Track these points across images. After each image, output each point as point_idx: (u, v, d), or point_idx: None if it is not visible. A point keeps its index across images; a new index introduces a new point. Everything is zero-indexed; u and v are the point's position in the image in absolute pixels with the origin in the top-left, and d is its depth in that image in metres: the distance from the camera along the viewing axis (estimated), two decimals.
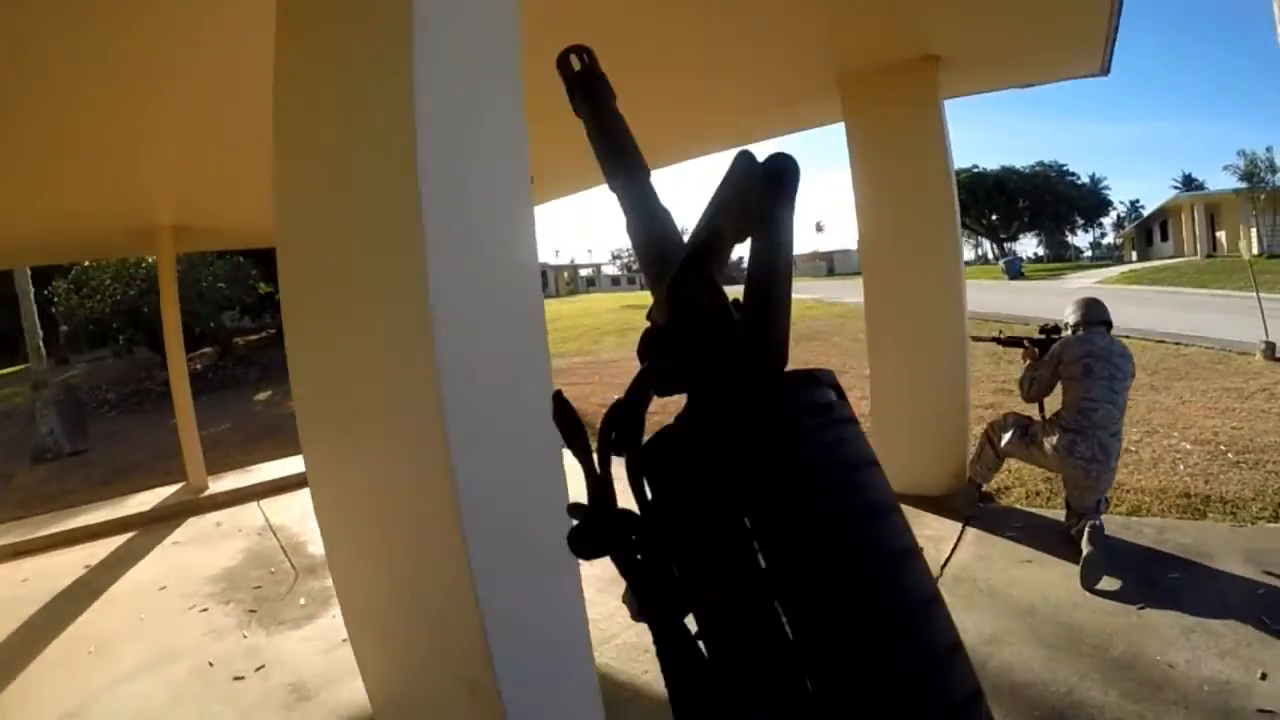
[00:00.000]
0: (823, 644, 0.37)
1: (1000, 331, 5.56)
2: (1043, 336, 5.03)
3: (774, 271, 0.43)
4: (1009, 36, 5.28)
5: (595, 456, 0.46)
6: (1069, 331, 4.81)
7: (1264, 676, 3.09)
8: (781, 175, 0.43)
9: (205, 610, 5.20)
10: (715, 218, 0.47)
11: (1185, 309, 15.13)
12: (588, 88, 0.58)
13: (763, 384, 0.42)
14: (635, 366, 0.47)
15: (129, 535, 7.43)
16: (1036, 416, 4.84)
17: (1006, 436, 4.84)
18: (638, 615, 0.44)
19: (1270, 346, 10.20)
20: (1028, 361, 4.99)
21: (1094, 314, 4.74)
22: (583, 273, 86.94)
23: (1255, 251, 20.09)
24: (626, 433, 0.45)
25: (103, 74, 4.03)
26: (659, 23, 4.40)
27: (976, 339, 5.70)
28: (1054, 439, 4.50)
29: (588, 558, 0.45)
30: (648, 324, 0.49)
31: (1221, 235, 34.93)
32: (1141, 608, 3.71)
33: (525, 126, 1.97)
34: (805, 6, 4.44)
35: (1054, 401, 4.74)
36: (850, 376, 11.39)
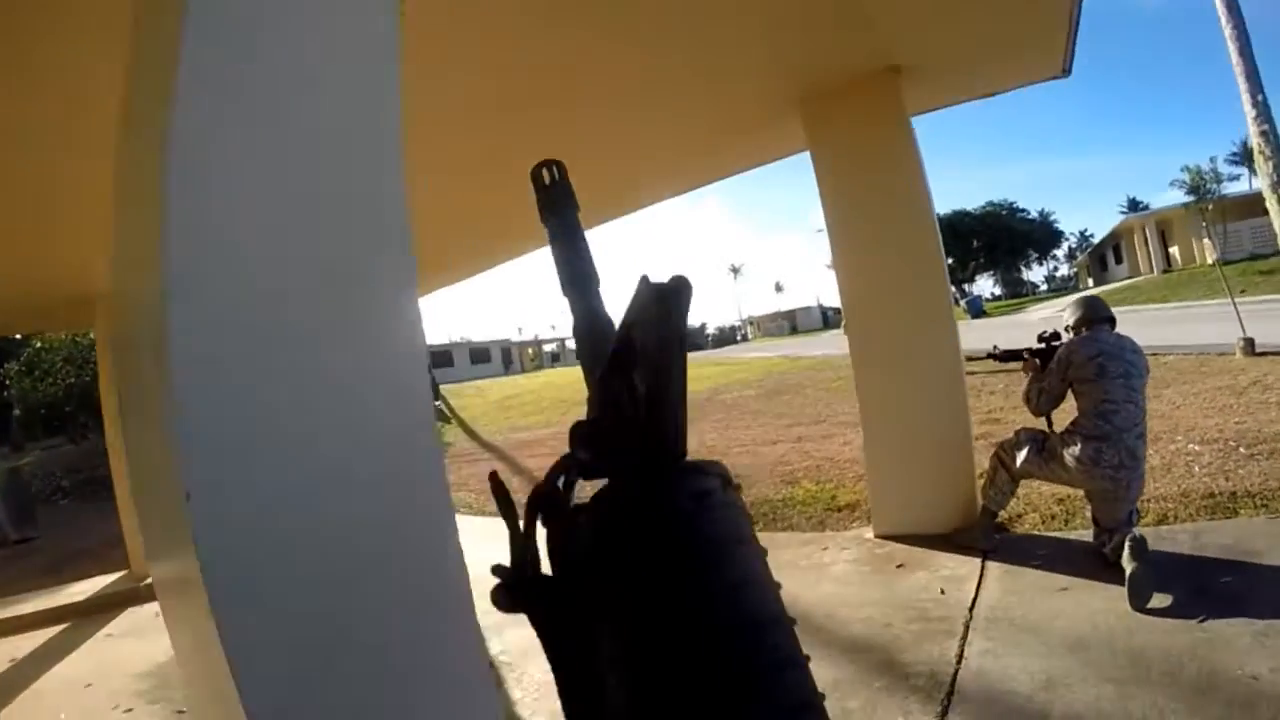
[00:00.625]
0: (666, 705, 0.41)
1: (995, 347, 5.23)
2: (1042, 345, 4.70)
3: (666, 374, 0.47)
4: (971, 39, 5.10)
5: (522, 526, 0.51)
6: (1070, 335, 4.49)
7: None
8: (671, 294, 0.47)
9: (129, 711, 4.66)
10: (628, 328, 0.49)
11: (1152, 324, 15.06)
12: (556, 201, 0.65)
13: (653, 474, 0.46)
14: None
15: (62, 626, 6.88)
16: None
17: (1022, 455, 4.44)
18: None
19: (1249, 342, 10.32)
20: (1029, 374, 4.66)
21: (1097, 311, 4.44)
22: (546, 348, 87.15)
23: (1212, 259, 20.38)
24: (546, 513, 0.50)
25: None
26: (598, 62, 4.23)
27: (970, 359, 5.39)
28: (1075, 449, 4.12)
29: (507, 611, 0.51)
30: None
31: (1175, 250, 35.80)
32: (1203, 620, 3.28)
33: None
34: (757, 27, 4.24)
35: (1061, 417, 4.40)
36: (827, 425, 11.24)
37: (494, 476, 0.57)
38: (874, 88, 5.16)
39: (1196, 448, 6.21)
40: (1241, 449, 5.91)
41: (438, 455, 1.53)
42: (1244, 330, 10.55)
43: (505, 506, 0.54)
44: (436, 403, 25.52)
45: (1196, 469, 5.66)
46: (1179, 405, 8.02)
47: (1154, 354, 10.73)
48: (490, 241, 8.09)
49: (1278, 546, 3.89)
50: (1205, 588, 3.57)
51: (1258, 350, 10.20)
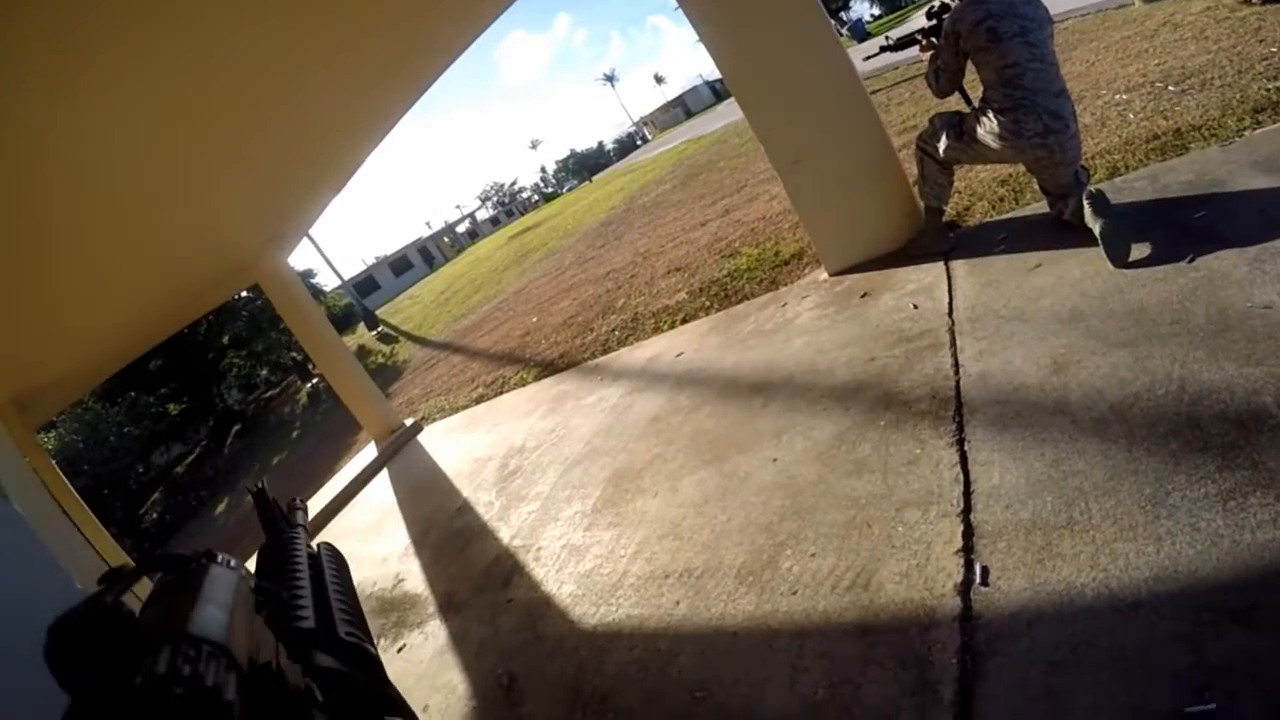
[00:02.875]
0: None
1: (887, 38, 4.71)
2: (933, 22, 4.18)
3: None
4: None
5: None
6: (954, 3, 3.95)
7: None
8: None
9: None
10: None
11: None
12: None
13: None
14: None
15: None
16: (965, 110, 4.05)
17: (942, 142, 4.05)
18: None
19: None
20: (928, 55, 4.19)
21: None
22: (460, 229, 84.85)
23: None
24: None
25: None
26: None
27: (866, 60, 4.87)
28: (993, 125, 3.73)
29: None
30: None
31: None
32: (1192, 259, 2.99)
33: None
34: None
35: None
36: (749, 189, 10.93)
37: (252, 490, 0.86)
38: None
39: (1124, 96, 5.89)
40: (1170, 87, 5.58)
41: None
42: None
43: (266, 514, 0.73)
44: (378, 328, 24.53)
45: (1131, 116, 5.36)
46: (1093, 62, 7.64)
47: (1052, 23, 10.43)
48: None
49: (1239, 171, 3.59)
50: (1183, 226, 3.28)
51: None
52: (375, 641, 0.90)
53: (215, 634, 0.50)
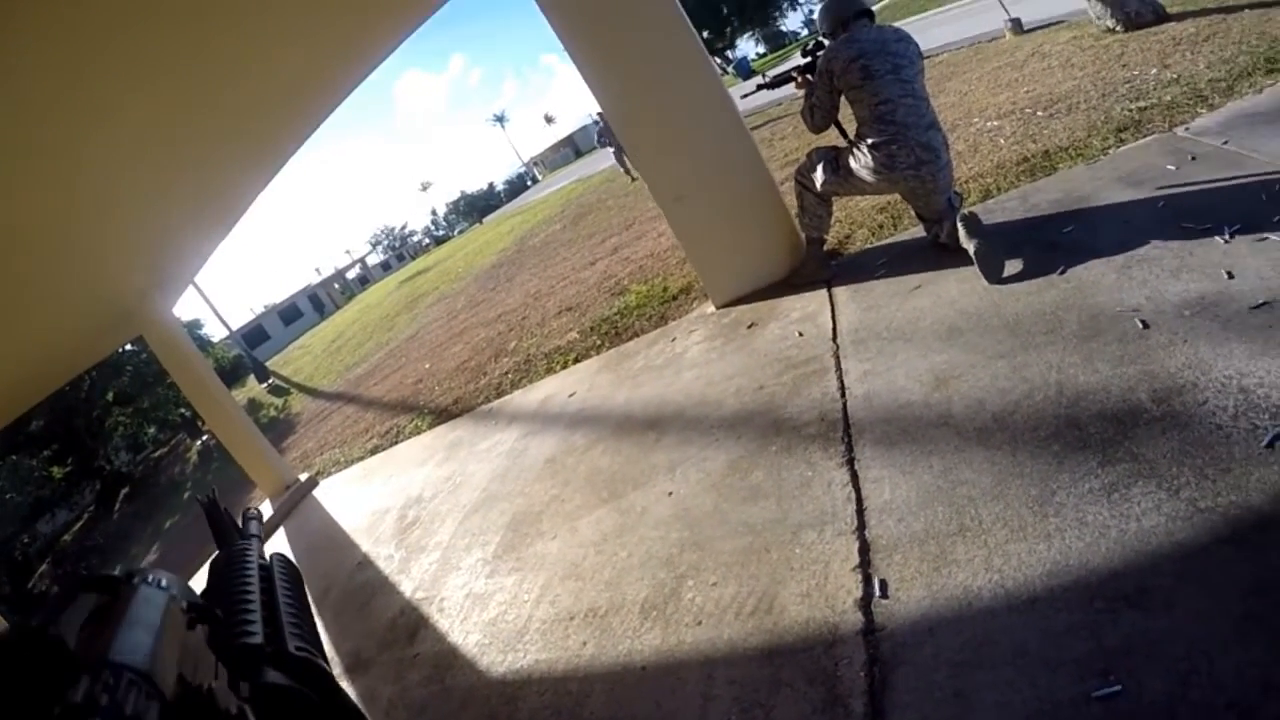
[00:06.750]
0: None
1: (764, 76, 4.82)
2: (808, 59, 4.31)
3: None
4: None
5: None
6: (828, 42, 4.08)
7: (1231, 275, 2.57)
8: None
9: None
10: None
11: (918, 33, 15.08)
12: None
13: None
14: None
15: None
16: (841, 144, 4.17)
17: (818, 175, 4.16)
18: None
19: (1016, 22, 10.51)
20: (803, 92, 4.30)
21: (845, 8, 4.01)
22: (350, 275, 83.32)
23: None
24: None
25: None
26: None
27: (745, 97, 4.97)
28: (866, 159, 3.84)
29: None
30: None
31: None
32: (1063, 271, 3.12)
33: None
34: None
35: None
36: (636, 227, 11.13)
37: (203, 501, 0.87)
38: None
39: (996, 123, 6.17)
40: (1039, 113, 5.88)
41: None
42: (1008, 14, 10.59)
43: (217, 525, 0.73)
44: (269, 380, 23.74)
45: (1002, 141, 5.61)
46: (966, 92, 8.01)
47: (927, 56, 10.90)
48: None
49: (1104, 187, 3.80)
50: (1051, 242, 3.43)
51: (1025, 29, 10.24)
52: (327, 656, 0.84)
53: (138, 660, 0.48)
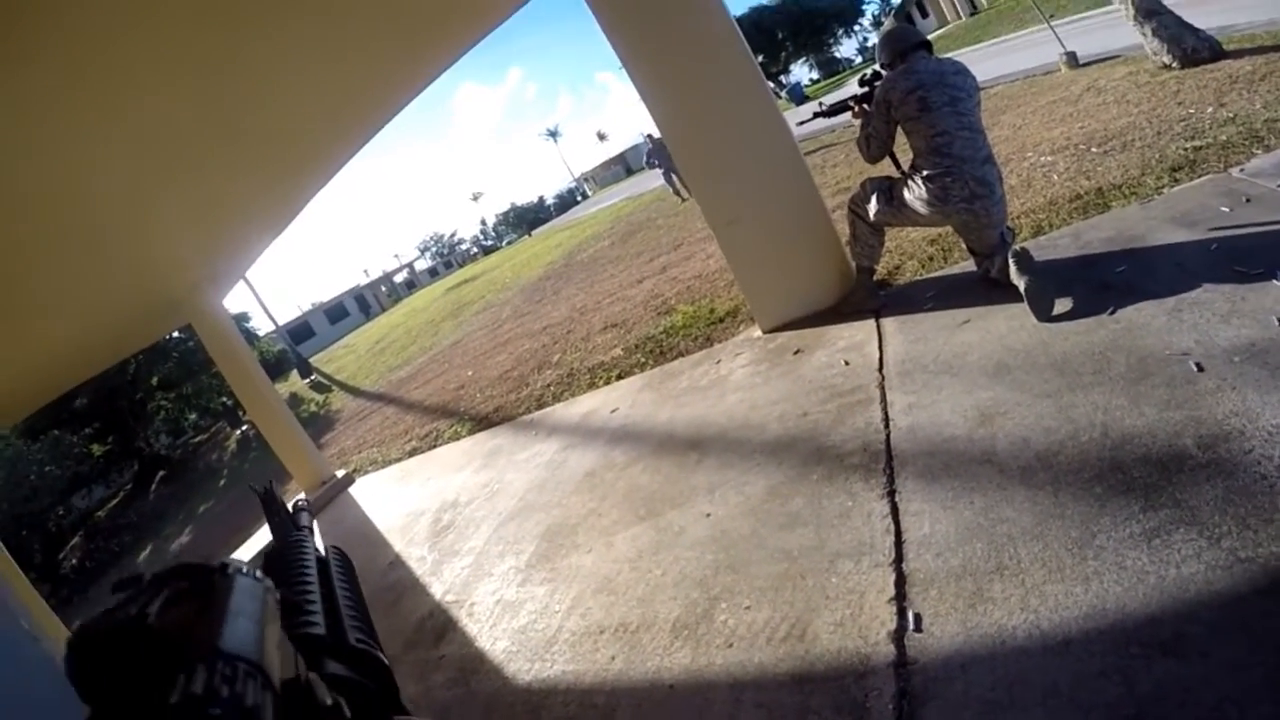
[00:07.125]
0: None
1: (820, 104, 4.84)
2: (865, 89, 4.32)
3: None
4: None
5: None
6: (886, 72, 4.09)
7: None
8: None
9: None
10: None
11: (973, 65, 15.01)
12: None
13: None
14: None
15: None
16: (896, 175, 4.16)
17: (872, 205, 4.16)
18: None
19: (1072, 56, 10.41)
20: (860, 121, 4.30)
21: (905, 39, 4.04)
22: (398, 279, 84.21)
23: None
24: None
25: None
26: None
27: (801, 125, 5.00)
28: (921, 191, 3.84)
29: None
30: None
31: None
32: (1113, 311, 3.09)
33: None
34: None
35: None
36: (685, 247, 11.11)
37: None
38: None
39: (1049, 158, 6.12)
40: (1093, 149, 5.83)
41: None
42: (1064, 47, 10.52)
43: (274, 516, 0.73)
44: (312, 376, 24.07)
45: (1055, 177, 5.56)
46: (1020, 126, 7.95)
47: (982, 87, 10.88)
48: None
49: (1158, 227, 3.75)
50: (1103, 281, 3.40)
51: (1081, 62, 10.18)
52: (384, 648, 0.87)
53: (249, 651, 0.48)
